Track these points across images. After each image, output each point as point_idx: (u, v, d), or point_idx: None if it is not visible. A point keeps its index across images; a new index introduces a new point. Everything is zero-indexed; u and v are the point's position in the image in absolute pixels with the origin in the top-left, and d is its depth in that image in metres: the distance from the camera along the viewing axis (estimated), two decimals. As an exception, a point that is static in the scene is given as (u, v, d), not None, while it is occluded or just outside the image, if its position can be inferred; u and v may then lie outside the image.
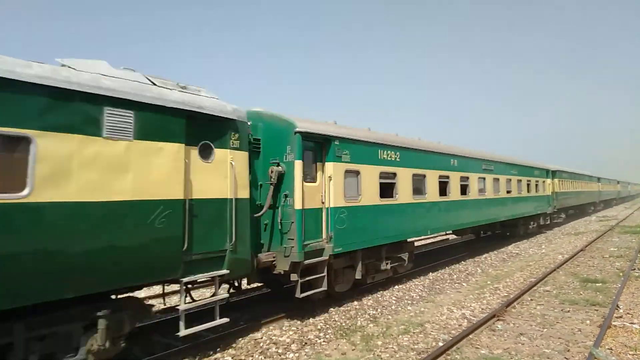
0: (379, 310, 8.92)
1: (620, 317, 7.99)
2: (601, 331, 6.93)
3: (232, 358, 6.40)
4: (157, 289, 9.81)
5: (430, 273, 12.75)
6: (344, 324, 7.98)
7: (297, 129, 8.00)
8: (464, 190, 14.31)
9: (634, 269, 12.46)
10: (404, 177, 11.04)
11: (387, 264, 10.57)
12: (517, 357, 6.15)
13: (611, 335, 7.01)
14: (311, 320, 8.23)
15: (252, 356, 6.47)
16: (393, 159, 10.71)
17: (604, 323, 7.32)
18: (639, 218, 33.69)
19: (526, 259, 15.51)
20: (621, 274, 11.74)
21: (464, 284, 11.51)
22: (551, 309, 8.72)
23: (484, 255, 16.32)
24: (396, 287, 10.92)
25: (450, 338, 6.87)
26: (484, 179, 16.01)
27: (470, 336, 7.05)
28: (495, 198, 16.86)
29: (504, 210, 17.83)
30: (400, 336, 7.21)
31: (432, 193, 12.30)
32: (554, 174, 26.18)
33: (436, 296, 10.11)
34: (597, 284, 10.73)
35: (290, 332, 7.49)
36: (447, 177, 13.26)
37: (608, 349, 6.38)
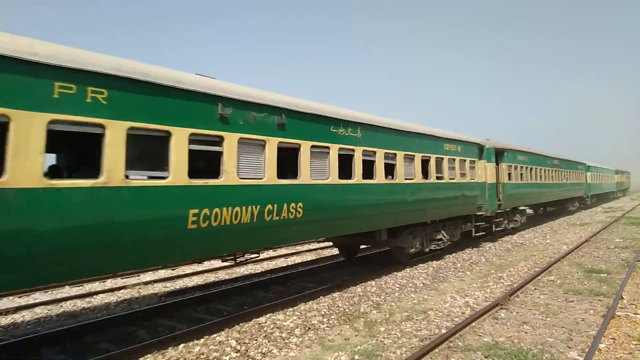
0: (382, 297, 8.97)
1: (624, 307, 7.98)
2: (604, 321, 6.93)
3: (236, 341, 6.46)
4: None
5: (434, 261, 12.78)
6: (347, 310, 8.04)
7: (488, 147, 16.53)
8: (550, 178, 24.70)
9: (639, 260, 12.42)
10: (528, 169, 20.94)
11: (518, 219, 20.07)
12: (519, 345, 6.16)
13: (615, 325, 7.00)
14: (315, 305, 8.30)
15: (256, 340, 6.54)
16: (525, 160, 20.54)
17: (608, 313, 7.31)
18: (645, 210, 33.46)
19: (530, 249, 15.49)
20: (626, 265, 11.70)
21: (467, 272, 11.53)
22: (555, 298, 8.73)
23: (488, 245, 16.32)
24: (399, 274, 10.97)
25: (453, 325, 6.90)
26: (556, 171, 26.09)
27: (473, 324, 7.08)
28: (560, 183, 27.09)
29: (563, 192, 28.10)
30: (403, 323, 7.25)
31: (542, 179, 23.14)
32: (588, 168, 35.75)
33: (440, 284, 10.14)
34: (602, 275, 10.70)
35: (294, 317, 7.56)
36: (543, 169, 23.35)
37: (611, 338, 6.38)
